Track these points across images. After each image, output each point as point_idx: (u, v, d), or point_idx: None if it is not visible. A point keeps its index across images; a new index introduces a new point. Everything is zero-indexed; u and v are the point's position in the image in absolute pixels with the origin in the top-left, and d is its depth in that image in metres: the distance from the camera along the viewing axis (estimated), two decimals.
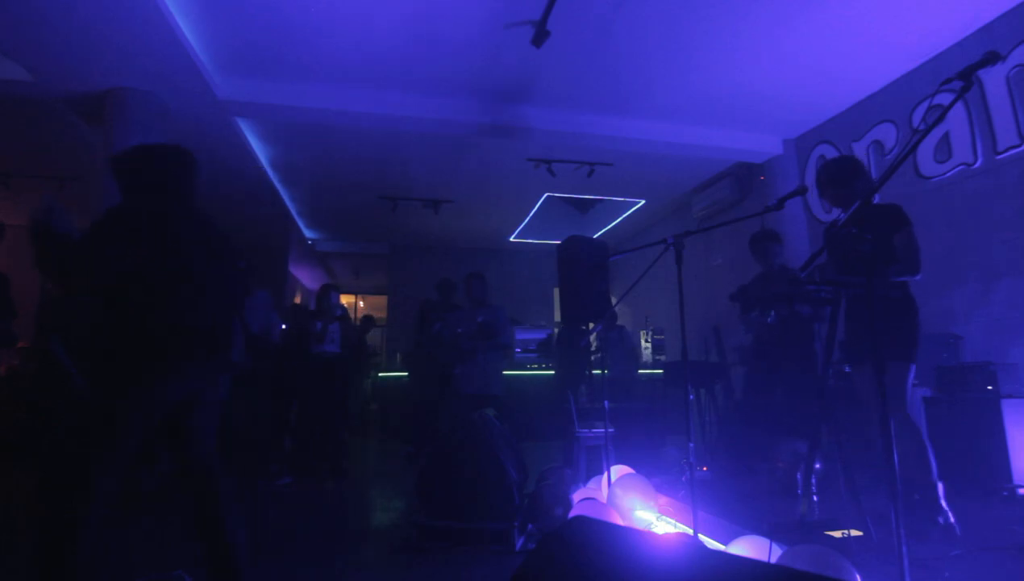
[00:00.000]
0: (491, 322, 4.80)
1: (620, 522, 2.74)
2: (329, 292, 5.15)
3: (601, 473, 3.28)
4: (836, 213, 5.22)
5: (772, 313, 3.50)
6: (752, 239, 3.89)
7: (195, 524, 1.92)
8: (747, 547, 2.06)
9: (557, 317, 10.04)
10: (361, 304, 14.76)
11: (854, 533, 2.22)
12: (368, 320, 8.87)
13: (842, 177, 2.63)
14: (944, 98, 2.32)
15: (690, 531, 2.31)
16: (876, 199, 2.57)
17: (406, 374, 7.23)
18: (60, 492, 1.70)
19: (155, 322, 1.86)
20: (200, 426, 1.99)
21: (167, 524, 3.34)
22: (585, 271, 3.59)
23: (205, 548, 1.92)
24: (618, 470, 3.22)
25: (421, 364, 5.48)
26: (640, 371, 7.02)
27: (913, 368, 2.43)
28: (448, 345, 5.14)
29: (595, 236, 8.98)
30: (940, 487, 2.30)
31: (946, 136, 4.28)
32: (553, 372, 6.97)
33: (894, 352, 2.37)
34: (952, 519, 2.26)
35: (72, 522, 1.66)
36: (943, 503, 2.28)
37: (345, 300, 13.19)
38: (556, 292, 10.00)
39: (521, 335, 8.44)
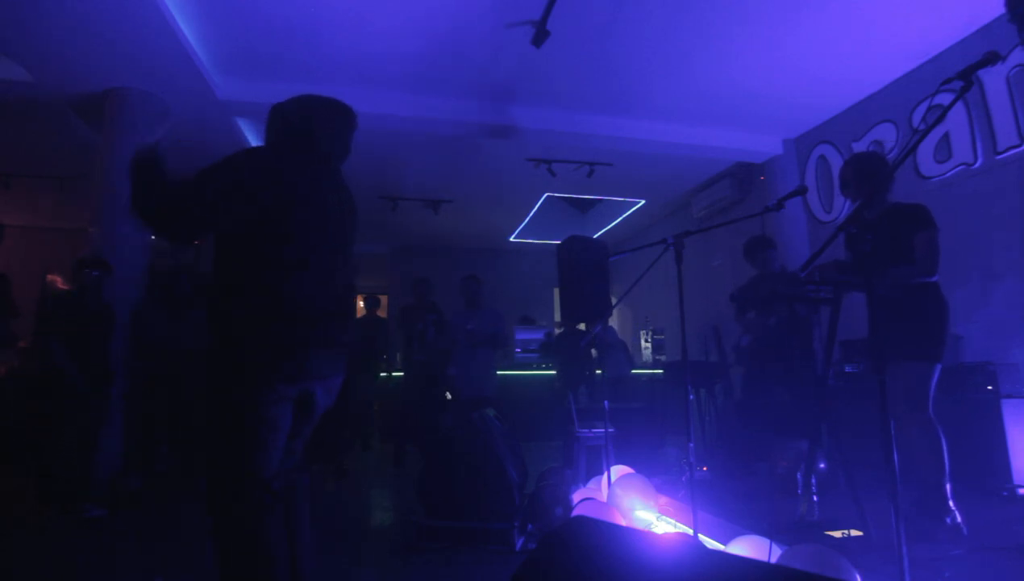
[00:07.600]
0: (484, 328, 4.81)
1: (620, 522, 2.74)
2: None
3: (601, 473, 3.29)
4: (834, 214, 5.25)
5: (774, 316, 3.50)
6: (747, 248, 3.87)
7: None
8: (747, 547, 2.06)
9: (557, 317, 10.03)
10: (361, 304, 14.74)
11: (854, 533, 2.22)
12: None
13: (870, 170, 2.61)
14: (944, 98, 2.31)
15: (690, 531, 2.32)
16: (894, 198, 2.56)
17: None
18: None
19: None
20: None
21: (155, 523, 3.34)
22: (585, 271, 3.59)
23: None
24: (618, 470, 3.22)
25: (413, 367, 5.49)
26: (638, 371, 7.00)
27: (938, 368, 2.41)
28: (433, 345, 5.15)
29: (595, 236, 8.97)
30: (948, 487, 2.31)
31: (946, 136, 4.27)
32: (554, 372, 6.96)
33: (918, 351, 2.36)
34: (960, 519, 2.27)
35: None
36: (951, 503, 2.29)
37: None
38: (556, 292, 10.00)
39: (522, 335, 8.44)
